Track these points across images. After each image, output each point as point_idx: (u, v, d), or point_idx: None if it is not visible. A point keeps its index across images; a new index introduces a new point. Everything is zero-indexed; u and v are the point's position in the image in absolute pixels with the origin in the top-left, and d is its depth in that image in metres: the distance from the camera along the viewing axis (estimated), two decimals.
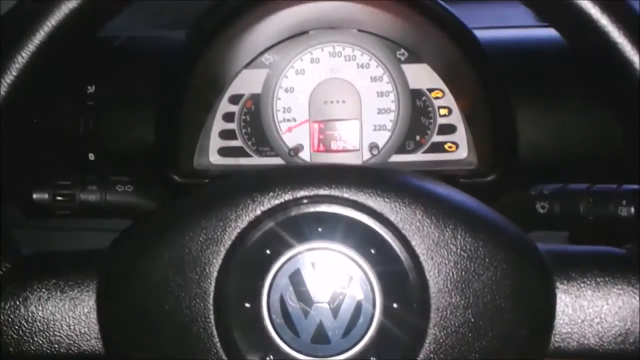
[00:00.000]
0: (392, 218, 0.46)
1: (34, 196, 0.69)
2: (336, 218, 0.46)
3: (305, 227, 0.46)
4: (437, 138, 0.85)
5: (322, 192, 0.46)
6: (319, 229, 0.46)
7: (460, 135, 0.84)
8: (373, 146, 0.85)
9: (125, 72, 0.82)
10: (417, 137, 0.85)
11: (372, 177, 0.48)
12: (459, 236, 0.45)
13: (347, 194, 0.46)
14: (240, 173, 0.53)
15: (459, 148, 0.85)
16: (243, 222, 0.46)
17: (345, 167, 0.51)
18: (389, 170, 0.51)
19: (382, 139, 0.86)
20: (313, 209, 0.46)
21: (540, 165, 0.76)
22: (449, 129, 0.85)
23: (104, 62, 0.83)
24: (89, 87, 0.79)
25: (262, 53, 0.86)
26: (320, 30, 0.86)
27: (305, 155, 0.86)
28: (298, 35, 0.86)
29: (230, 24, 0.79)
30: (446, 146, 0.85)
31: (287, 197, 0.46)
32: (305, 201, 0.46)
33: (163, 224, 0.48)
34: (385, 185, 0.47)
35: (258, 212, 0.46)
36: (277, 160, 0.86)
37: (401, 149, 0.86)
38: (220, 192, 0.48)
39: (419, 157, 0.85)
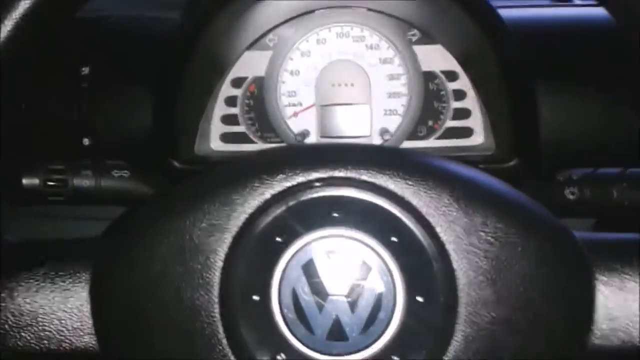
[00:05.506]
0: (414, 202, 0.41)
1: (24, 181, 0.64)
2: (353, 202, 0.42)
3: (319, 213, 0.42)
4: (451, 123, 0.81)
5: (337, 173, 0.42)
6: (334, 215, 0.42)
7: (476, 119, 0.80)
8: (384, 132, 0.81)
9: (122, 52, 0.78)
10: (430, 123, 0.81)
11: (392, 157, 0.44)
12: (489, 222, 0.41)
13: (365, 176, 0.42)
14: (246, 154, 0.49)
15: (475, 133, 0.80)
16: (251, 207, 0.42)
17: (362, 147, 0.47)
18: (409, 151, 0.47)
19: (393, 124, 0.81)
20: (327, 192, 0.42)
21: (564, 149, 0.72)
22: (463, 113, 0.80)
23: (99, 42, 0.78)
24: (83, 69, 0.75)
25: (265, 33, 0.81)
26: (327, 9, 0.81)
27: (311, 141, 0.82)
28: (303, 14, 0.81)
29: (231, 2, 0.75)
30: (461, 131, 0.81)
31: (299, 179, 0.42)
32: (318, 184, 0.42)
33: (161, 209, 0.44)
34: (406, 166, 0.43)
35: (267, 195, 0.42)
36: None
37: (413, 135, 0.81)
38: (225, 174, 0.44)
39: (432, 143, 0.81)
